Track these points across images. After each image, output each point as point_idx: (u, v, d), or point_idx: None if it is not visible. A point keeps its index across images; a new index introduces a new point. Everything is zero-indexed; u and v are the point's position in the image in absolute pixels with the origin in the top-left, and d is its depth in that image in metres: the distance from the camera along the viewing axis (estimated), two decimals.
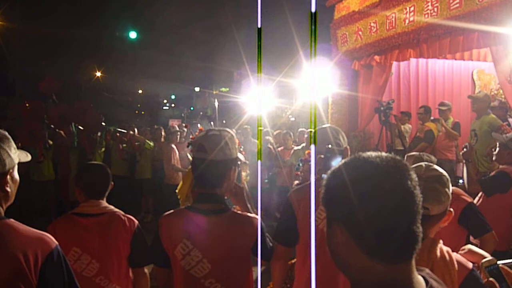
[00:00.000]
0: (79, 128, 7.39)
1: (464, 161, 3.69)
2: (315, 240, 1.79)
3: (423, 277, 0.90)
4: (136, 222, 2.32)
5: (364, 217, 0.81)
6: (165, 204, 5.88)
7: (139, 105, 35.81)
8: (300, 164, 6.89)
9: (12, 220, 1.45)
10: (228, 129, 1.93)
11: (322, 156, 2.11)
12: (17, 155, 1.51)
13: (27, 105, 7.60)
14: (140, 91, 34.21)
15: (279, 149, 7.24)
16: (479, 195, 3.37)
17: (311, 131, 1.35)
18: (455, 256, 1.51)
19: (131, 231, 2.26)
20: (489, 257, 1.46)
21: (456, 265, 1.46)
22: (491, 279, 1.34)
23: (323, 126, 2.27)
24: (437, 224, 1.55)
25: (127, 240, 2.25)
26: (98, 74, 27.11)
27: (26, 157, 1.62)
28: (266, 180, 6.97)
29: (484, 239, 2.59)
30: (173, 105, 37.04)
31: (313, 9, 0.85)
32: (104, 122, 8.15)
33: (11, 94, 17.46)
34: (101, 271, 2.20)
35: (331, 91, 7.00)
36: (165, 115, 22.39)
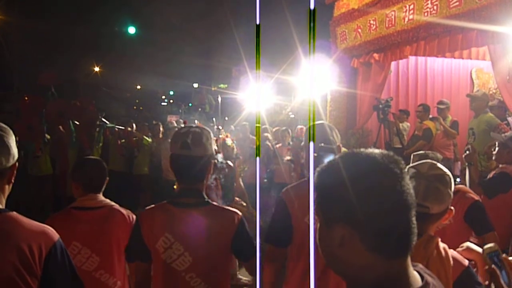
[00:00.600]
0: (77, 124, 7.37)
1: (466, 163, 3.66)
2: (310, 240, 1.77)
3: (418, 272, 0.91)
4: (134, 216, 2.32)
5: (369, 213, 0.81)
6: (163, 200, 5.84)
7: (137, 101, 35.70)
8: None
9: (15, 213, 1.47)
10: (204, 126, 1.94)
11: (315, 154, 2.03)
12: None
13: (26, 99, 7.58)
14: (138, 87, 34.09)
15: (277, 146, 7.25)
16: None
17: (309, 127, 1.33)
18: (452, 253, 1.51)
19: (131, 224, 2.25)
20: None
21: (451, 262, 1.46)
22: (492, 266, 1.35)
23: (317, 122, 2.15)
24: (437, 222, 1.56)
25: (128, 233, 2.24)
26: (97, 69, 26.99)
27: None
28: (266, 180, 6.96)
29: (485, 238, 2.59)
30: (171, 101, 36.90)
31: (312, 6, 0.85)
32: (104, 119, 8.11)
33: (9, 89, 17.40)
34: (101, 265, 2.21)
35: (330, 89, 7.00)
36: (164, 111, 22.33)
